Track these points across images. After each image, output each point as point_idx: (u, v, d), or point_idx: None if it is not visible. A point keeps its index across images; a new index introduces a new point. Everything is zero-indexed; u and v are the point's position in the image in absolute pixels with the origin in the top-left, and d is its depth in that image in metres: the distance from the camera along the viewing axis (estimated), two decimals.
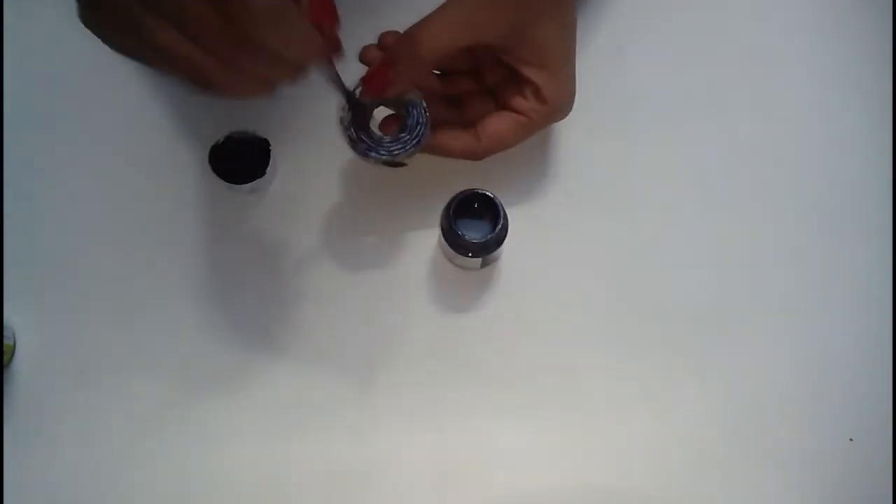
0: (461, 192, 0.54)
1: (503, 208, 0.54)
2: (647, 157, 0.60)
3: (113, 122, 0.60)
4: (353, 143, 0.51)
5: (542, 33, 0.51)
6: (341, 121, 0.50)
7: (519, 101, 0.53)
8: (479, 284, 0.58)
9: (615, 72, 0.56)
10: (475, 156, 0.53)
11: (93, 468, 0.55)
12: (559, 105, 0.53)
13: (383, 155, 0.50)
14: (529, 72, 0.51)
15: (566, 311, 0.58)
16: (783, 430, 0.57)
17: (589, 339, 0.58)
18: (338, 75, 0.46)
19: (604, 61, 0.59)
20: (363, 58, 0.51)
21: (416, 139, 0.51)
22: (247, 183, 0.57)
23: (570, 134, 0.59)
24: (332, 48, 0.43)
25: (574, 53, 0.53)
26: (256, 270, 0.58)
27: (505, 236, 0.54)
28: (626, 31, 0.62)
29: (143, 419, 0.56)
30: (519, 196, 0.56)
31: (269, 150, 0.57)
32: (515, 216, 0.54)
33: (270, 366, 0.57)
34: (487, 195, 0.54)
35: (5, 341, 0.55)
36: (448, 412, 0.56)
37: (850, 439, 0.56)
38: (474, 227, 0.55)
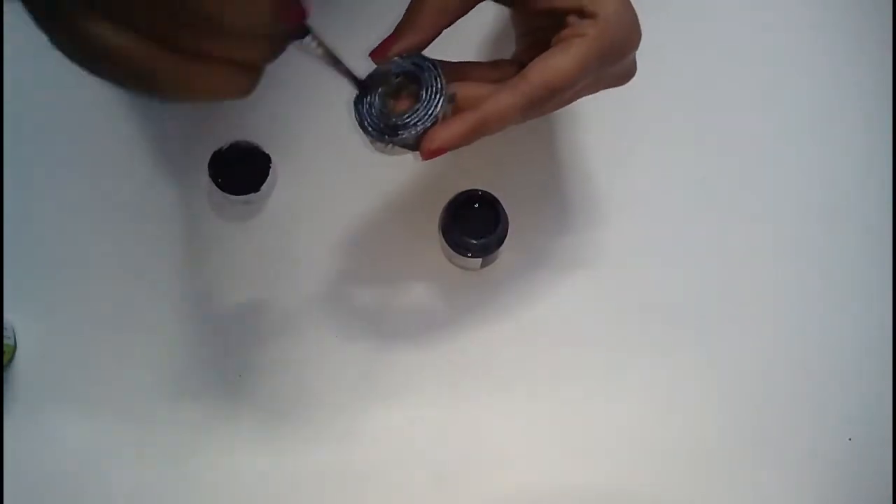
0: (461, 193, 0.54)
1: (503, 208, 0.54)
2: (647, 157, 0.60)
3: (115, 124, 0.60)
4: (361, 127, 0.44)
5: None
6: (355, 105, 0.44)
7: (563, 32, 0.43)
8: (479, 284, 0.58)
9: None
10: (529, 105, 0.42)
11: (93, 468, 0.55)
12: (614, 17, 0.43)
13: (392, 137, 0.43)
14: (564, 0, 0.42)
15: (566, 312, 0.58)
16: (783, 430, 0.57)
17: (589, 338, 0.58)
18: (324, 47, 0.39)
19: None
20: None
21: (432, 110, 0.42)
22: (242, 195, 0.56)
23: (570, 133, 0.59)
24: (292, 8, 0.34)
25: None
26: (255, 271, 0.58)
27: (505, 236, 0.54)
28: None
29: (142, 419, 0.56)
30: (519, 196, 0.56)
31: (269, 166, 0.56)
32: (515, 216, 0.54)
33: (268, 366, 0.57)
34: (487, 195, 0.54)
35: (5, 341, 0.55)
36: (447, 412, 0.56)
37: (849, 439, 0.56)
38: (474, 227, 0.55)
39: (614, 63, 0.45)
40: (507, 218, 0.54)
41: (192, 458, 0.55)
